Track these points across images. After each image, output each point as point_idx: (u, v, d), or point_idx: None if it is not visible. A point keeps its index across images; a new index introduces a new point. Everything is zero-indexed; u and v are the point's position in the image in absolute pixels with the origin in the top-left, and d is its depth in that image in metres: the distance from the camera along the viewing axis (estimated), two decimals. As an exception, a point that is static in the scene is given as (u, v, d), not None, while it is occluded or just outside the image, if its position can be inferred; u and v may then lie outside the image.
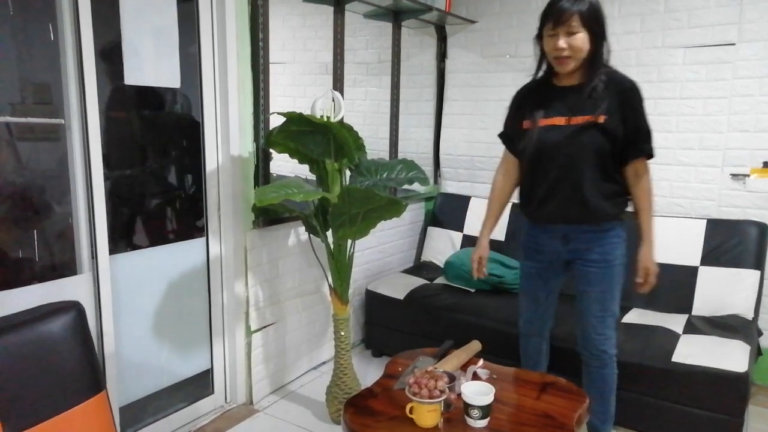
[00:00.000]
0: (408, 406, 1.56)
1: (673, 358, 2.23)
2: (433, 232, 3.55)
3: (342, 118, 2.26)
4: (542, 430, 1.56)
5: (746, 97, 2.71)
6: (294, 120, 2.07)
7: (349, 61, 2.96)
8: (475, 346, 2.03)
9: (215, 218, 2.39)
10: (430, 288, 3.02)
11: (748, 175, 2.74)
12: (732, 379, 2.12)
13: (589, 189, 1.89)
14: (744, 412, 2.16)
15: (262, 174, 2.47)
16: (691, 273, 2.68)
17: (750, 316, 2.57)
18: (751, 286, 2.59)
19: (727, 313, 2.59)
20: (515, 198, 2.18)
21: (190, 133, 2.32)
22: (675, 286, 2.67)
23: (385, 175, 2.40)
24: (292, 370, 2.82)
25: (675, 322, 2.53)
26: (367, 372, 2.89)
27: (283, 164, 2.49)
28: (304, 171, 2.35)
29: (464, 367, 1.90)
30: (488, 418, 1.56)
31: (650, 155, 1.92)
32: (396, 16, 3.20)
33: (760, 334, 2.63)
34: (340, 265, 2.32)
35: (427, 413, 1.54)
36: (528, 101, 2.01)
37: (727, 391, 2.13)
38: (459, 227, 3.45)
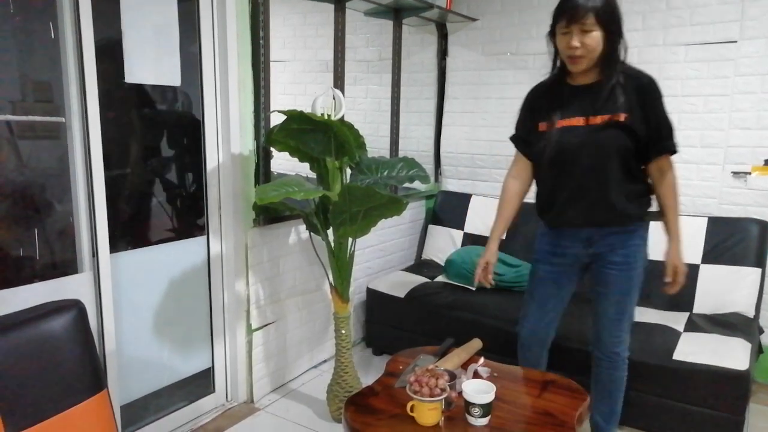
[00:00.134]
0: (409, 405, 1.56)
1: (674, 356, 2.23)
2: (434, 230, 3.54)
3: (342, 116, 2.26)
4: (543, 428, 1.56)
5: (748, 94, 2.71)
6: (294, 118, 2.07)
7: (349, 59, 2.96)
8: (476, 344, 2.03)
9: (216, 216, 2.39)
10: (431, 286, 3.02)
11: (750, 173, 2.74)
12: (733, 377, 2.12)
13: (615, 190, 1.83)
14: (745, 410, 2.16)
15: (262, 172, 2.47)
16: (692, 271, 2.67)
17: (751, 313, 2.56)
18: (752, 284, 2.59)
19: (728, 310, 2.59)
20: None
21: (191, 131, 2.32)
22: (676, 284, 2.67)
23: (385, 173, 2.39)
24: (293, 369, 2.83)
25: (676, 320, 2.53)
26: (368, 370, 2.89)
27: (283, 162, 2.48)
28: (304, 169, 2.35)
29: (465, 366, 1.90)
30: (489, 417, 1.56)
31: (674, 151, 1.84)
32: (397, 14, 3.19)
33: (761, 331, 2.63)
34: (340, 264, 2.32)
35: (428, 411, 1.53)
36: (542, 102, 1.93)
37: (728, 389, 2.13)
38: (460, 225, 3.44)
